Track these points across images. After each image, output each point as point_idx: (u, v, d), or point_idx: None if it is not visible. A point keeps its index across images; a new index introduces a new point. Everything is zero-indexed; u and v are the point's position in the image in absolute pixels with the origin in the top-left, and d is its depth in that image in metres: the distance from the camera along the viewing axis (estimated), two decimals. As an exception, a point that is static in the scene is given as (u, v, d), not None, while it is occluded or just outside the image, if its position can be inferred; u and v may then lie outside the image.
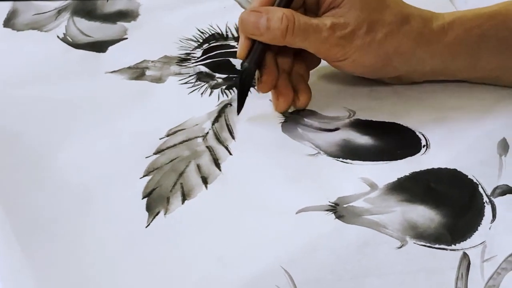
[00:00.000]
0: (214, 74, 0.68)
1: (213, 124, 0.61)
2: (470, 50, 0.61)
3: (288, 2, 0.60)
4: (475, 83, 0.64)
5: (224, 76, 0.67)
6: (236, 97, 0.61)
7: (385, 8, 0.59)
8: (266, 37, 0.59)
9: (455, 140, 0.59)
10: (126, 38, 0.72)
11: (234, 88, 0.65)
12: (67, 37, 0.72)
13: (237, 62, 0.69)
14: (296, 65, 0.63)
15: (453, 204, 0.54)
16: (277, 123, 0.62)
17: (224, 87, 0.65)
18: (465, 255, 0.50)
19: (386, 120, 0.62)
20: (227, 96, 0.64)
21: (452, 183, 0.56)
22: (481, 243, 0.51)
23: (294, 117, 0.62)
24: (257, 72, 0.61)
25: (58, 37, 0.72)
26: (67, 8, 0.77)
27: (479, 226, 0.52)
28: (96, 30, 0.73)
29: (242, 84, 0.61)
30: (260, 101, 0.64)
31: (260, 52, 0.60)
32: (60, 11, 0.76)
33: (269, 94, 0.63)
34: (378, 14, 0.59)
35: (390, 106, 0.63)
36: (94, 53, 0.70)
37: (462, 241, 0.51)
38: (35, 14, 0.76)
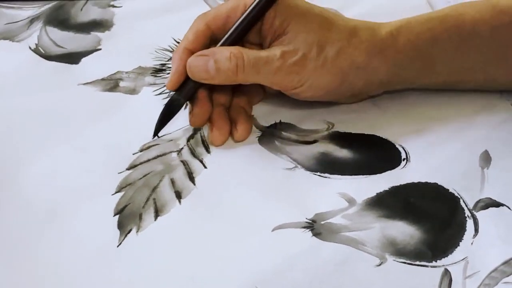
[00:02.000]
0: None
1: (188, 140, 0.60)
2: (424, 54, 0.60)
3: (234, 41, 0.59)
4: (440, 90, 0.64)
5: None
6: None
7: (330, 25, 0.59)
8: (217, 79, 0.58)
9: (435, 153, 0.59)
10: (100, 49, 0.71)
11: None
12: (39, 48, 0.71)
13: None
14: (236, 98, 0.62)
15: (434, 219, 0.53)
16: (254, 136, 0.61)
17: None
18: (446, 272, 0.49)
19: (366, 133, 0.61)
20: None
21: (432, 197, 0.55)
22: (463, 259, 0.50)
23: (271, 130, 0.61)
24: (189, 106, 0.60)
25: (30, 48, 0.71)
26: (40, 17, 0.75)
27: (460, 241, 0.51)
28: (69, 40, 0.72)
29: (167, 112, 0.59)
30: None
31: (193, 87, 0.59)
32: (32, 20, 0.75)
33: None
34: (326, 33, 0.58)
35: (370, 118, 0.62)
36: (67, 64, 0.69)
37: (443, 257, 0.50)
38: (7, 23, 0.75)
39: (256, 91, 0.63)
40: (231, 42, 0.59)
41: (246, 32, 0.59)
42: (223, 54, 0.57)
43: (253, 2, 0.58)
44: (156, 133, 0.59)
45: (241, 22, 0.59)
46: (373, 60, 0.59)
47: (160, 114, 0.59)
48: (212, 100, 0.60)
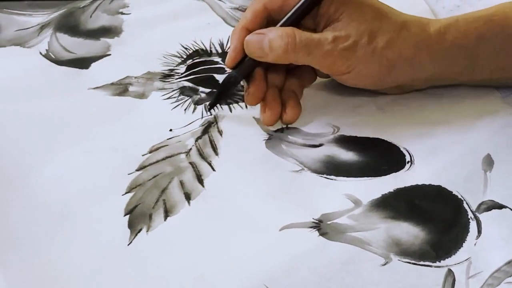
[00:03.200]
0: (198, 88, 0.67)
1: (196, 140, 0.61)
2: (469, 52, 0.61)
3: (291, 23, 0.61)
4: (473, 86, 0.65)
5: (207, 90, 0.67)
6: (211, 98, 0.63)
7: (383, 17, 0.60)
8: (270, 57, 0.60)
9: (439, 156, 0.59)
10: (110, 55, 0.72)
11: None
12: (50, 53, 0.72)
13: (220, 78, 0.68)
14: (289, 81, 0.64)
15: (438, 220, 0.54)
16: (261, 140, 0.61)
17: (207, 103, 0.65)
18: (450, 272, 0.50)
19: (371, 136, 0.62)
20: (211, 114, 0.64)
21: (436, 199, 0.55)
22: (466, 260, 0.51)
23: (278, 134, 0.62)
24: (245, 85, 0.62)
25: (40, 53, 0.72)
26: (50, 24, 0.76)
27: (464, 242, 0.52)
28: (79, 46, 0.73)
29: (224, 87, 0.62)
30: (244, 118, 0.64)
31: (250, 66, 0.61)
32: (43, 27, 0.76)
33: (254, 112, 0.64)
34: (377, 23, 0.60)
35: (375, 122, 0.63)
36: (77, 69, 0.70)
37: (447, 257, 0.51)
38: (17, 30, 0.75)
39: (308, 75, 0.65)
40: (289, 24, 0.60)
41: (304, 15, 0.61)
42: (277, 32, 0.59)
43: None
44: (211, 107, 0.63)
45: (300, 5, 0.61)
46: (421, 55, 0.60)
47: (217, 90, 0.62)
48: (267, 81, 0.62)
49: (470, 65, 0.62)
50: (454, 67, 0.62)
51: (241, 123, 0.63)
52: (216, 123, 0.63)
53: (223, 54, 0.71)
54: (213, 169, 0.58)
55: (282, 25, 0.61)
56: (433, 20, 0.62)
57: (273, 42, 0.59)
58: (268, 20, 0.62)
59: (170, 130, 0.62)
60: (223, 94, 0.63)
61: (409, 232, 0.53)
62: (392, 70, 0.61)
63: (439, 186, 0.56)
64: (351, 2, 0.60)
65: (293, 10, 0.61)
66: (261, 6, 0.62)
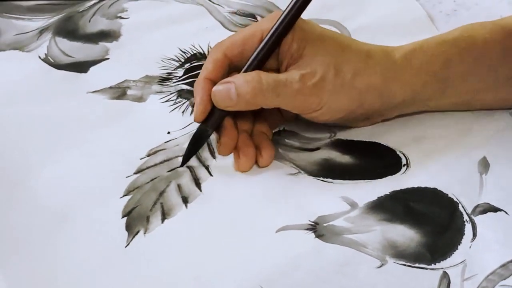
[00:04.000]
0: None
1: (194, 144, 0.61)
2: (437, 76, 0.60)
3: (255, 67, 0.59)
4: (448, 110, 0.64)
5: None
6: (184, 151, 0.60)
7: (345, 48, 0.59)
8: (239, 105, 0.58)
9: (435, 159, 0.60)
10: (108, 58, 0.72)
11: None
12: (49, 57, 0.72)
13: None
14: (258, 124, 0.62)
15: (433, 223, 0.54)
16: (258, 143, 0.62)
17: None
18: (445, 274, 0.50)
19: (367, 140, 0.62)
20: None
21: (432, 202, 0.56)
22: (461, 262, 0.51)
23: (274, 138, 0.62)
24: (216, 136, 0.60)
25: (39, 57, 0.72)
26: (49, 28, 0.76)
27: (459, 245, 0.53)
28: (78, 50, 0.73)
29: (195, 144, 0.59)
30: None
31: (219, 116, 0.59)
32: (42, 31, 0.76)
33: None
34: (341, 55, 0.58)
35: (371, 126, 0.63)
36: (76, 73, 0.70)
37: (442, 260, 0.51)
38: (16, 34, 0.76)
39: (275, 116, 0.63)
40: (253, 68, 0.58)
41: (267, 57, 0.59)
42: (243, 78, 0.57)
43: (271, 29, 0.58)
44: (183, 164, 0.59)
45: (261, 48, 0.58)
46: (389, 83, 0.59)
47: (188, 145, 0.59)
48: (236, 128, 0.60)
49: (439, 90, 0.61)
50: (424, 92, 0.61)
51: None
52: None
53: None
54: (211, 174, 0.59)
55: (246, 70, 0.59)
56: (396, 47, 0.61)
57: (240, 89, 0.57)
58: (230, 67, 0.60)
59: (168, 132, 0.62)
60: (195, 149, 0.60)
61: (404, 234, 0.53)
62: (362, 101, 0.59)
63: (435, 189, 0.57)
64: (312, 37, 0.58)
65: (254, 54, 0.59)
66: (221, 55, 0.59)
